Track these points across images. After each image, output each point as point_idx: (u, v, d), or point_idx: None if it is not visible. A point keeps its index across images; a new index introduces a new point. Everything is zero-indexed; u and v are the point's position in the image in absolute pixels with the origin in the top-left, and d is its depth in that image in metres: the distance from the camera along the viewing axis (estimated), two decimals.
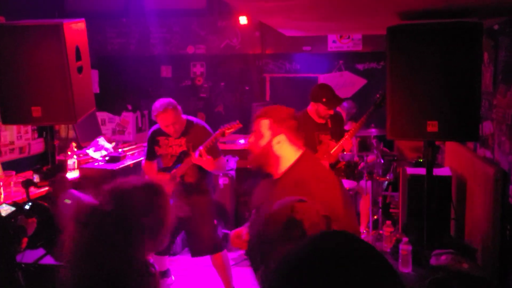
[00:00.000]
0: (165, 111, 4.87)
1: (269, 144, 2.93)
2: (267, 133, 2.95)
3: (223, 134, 4.90)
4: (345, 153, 5.56)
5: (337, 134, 5.28)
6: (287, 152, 2.95)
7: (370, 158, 6.54)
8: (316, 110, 5.21)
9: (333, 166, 5.19)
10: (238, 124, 4.95)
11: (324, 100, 5.09)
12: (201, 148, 4.78)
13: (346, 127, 5.79)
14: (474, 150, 4.83)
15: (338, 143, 5.15)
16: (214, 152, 4.98)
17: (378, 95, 5.05)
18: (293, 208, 2.02)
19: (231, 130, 4.92)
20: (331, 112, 5.20)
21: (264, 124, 2.96)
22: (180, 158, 5.00)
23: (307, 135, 5.15)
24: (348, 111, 6.98)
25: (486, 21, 3.89)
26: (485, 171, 4.24)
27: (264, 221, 2.06)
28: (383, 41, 3.65)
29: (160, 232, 2.07)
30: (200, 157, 4.78)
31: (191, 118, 5.17)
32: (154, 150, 5.17)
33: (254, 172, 3.15)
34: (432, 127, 3.43)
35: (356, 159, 6.66)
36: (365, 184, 6.22)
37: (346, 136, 5.14)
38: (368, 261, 1.14)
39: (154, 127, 5.19)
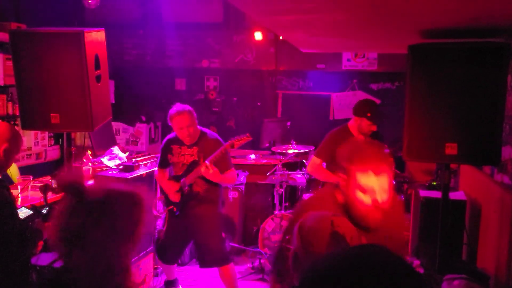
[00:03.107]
0: (181, 113, 4.95)
1: None
2: None
3: (232, 146, 4.93)
4: None
5: None
6: None
7: None
8: (358, 126, 5.14)
9: None
10: (248, 137, 4.98)
11: (368, 114, 5.02)
12: (207, 161, 4.82)
13: None
14: (491, 175, 4.73)
15: None
16: (224, 163, 5.01)
17: (396, 147, 5.08)
18: (333, 223, 2.04)
19: (241, 142, 4.95)
20: (375, 128, 5.14)
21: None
22: (190, 167, 5.04)
23: None
24: None
25: None
26: (502, 197, 4.13)
27: (307, 235, 2.08)
28: (399, 61, 3.60)
29: (133, 240, 2.04)
30: (206, 169, 4.81)
31: (205, 129, 5.22)
32: (167, 158, 5.22)
33: None
34: (451, 149, 3.34)
35: None
36: None
37: None
38: (404, 278, 1.12)
39: (170, 136, 5.26)
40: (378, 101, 8.57)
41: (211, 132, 5.24)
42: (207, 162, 4.83)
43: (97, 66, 3.72)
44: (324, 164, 5.35)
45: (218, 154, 4.88)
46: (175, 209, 5.11)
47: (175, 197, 5.09)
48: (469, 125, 3.30)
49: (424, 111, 3.41)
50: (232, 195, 7.10)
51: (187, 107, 5.03)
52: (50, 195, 3.93)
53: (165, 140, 5.32)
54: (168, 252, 5.38)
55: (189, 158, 5.09)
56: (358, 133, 5.17)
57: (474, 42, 3.33)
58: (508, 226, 3.95)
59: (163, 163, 5.32)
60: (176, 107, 5.01)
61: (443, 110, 3.35)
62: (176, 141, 5.16)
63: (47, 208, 3.50)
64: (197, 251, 5.38)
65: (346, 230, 2.04)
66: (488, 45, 3.28)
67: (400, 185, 6.92)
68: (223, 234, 5.43)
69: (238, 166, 7.57)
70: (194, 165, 5.04)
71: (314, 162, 5.34)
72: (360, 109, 5.12)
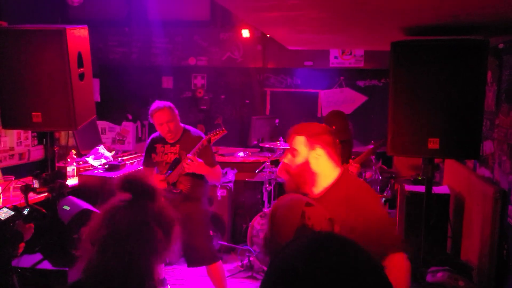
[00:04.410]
0: (161, 109, 4.94)
1: (307, 161, 2.77)
2: (303, 150, 2.78)
3: (209, 141, 4.90)
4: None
5: (343, 158, 5.34)
6: (326, 169, 2.79)
7: (368, 174, 6.54)
8: None
9: None
10: (223, 130, 4.96)
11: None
12: (189, 155, 4.78)
13: None
14: (473, 169, 4.80)
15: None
16: (208, 160, 4.97)
17: (381, 141, 5.23)
18: (303, 214, 2.04)
19: (217, 136, 4.94)
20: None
21: (299, 141, 2.80)
22: (173, 165, 5.01)
23: None
24: None
25: (492, 39, 3.87)
26: (484, 191, 4.21)
27: (277, 223, 2.09)
28: (385, 58, 3.64)
29: (166, 246, 2.08)
30: (191, 162, 4.77)
31: (188, 127, 5.18)
32: (151, 157, 5.17)
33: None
34: (433, 144, 3.39)
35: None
36: None
37: (352, 162, 5.27)
38: (360, 268, 1.13)
39: (154, 135, 5.23)
40: (365, 98, 8.63)
41: (194, 130, 5.20)
42: (190, 156, 4.80)
43: (80, 64, 3.69)
44: None
45: (199, 147, 4.85)
46: None
47: (161, 185, 5.04)
48: (451, 120, 3.37)
49: (406, 106, 3.47)
50: (221, 193, 7.09)
51: (167, 103, 5.02)
52: (31, 196, 3.86)
53: (149, 139, 5.29)
54: None
55: (172, 156, 5.05)
56: None
57: (455, 39, 3.39)
58: (490, 218, 4.02)
59: (148, 162, 5.27)
60: (156, 104, 5.02)
61: (425, 106, 3.41)
62: (160, 140, 5.13)
63: (28, 209, 3.37)
64: (184, 250, 5.34)
65: (316, 222, 2.04)
66: (468, 42, 3.35)
67: (387, 180, 6.97)
68: (211, 232, 5.40)
69: (227, 164, 7.59)
70: (176, 163, 5.01)
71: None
72: (326, 118, 5.35)
